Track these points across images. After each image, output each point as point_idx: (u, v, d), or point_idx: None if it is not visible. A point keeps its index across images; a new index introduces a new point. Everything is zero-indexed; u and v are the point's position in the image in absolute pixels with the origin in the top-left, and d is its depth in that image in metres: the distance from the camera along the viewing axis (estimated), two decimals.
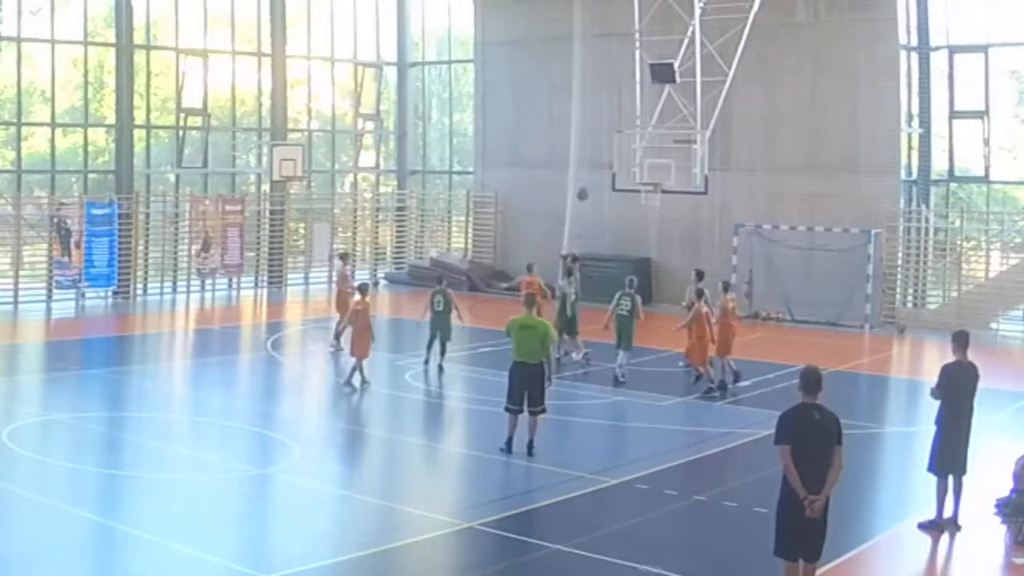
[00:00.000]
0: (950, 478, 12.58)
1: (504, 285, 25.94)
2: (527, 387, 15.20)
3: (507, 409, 15.36)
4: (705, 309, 19.93)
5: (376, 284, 36.04)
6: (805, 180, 29.56)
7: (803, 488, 9.33)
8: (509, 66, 34.65)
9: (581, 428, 17.97)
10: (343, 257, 25.07)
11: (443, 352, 21.46)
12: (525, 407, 15.21)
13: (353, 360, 19.64)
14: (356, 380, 19.56)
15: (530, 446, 15.13)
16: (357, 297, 20.01)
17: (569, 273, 23.06)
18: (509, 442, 15.24)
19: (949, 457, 12.50)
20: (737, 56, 25.61)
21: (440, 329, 21.40)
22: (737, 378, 20.36)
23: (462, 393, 20.75)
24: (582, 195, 21.24)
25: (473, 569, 11.82)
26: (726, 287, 21.15)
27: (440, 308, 21.52)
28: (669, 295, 31.48)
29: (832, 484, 9.45)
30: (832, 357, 23.21)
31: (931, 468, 12.64)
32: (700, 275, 21.46)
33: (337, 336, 22.53)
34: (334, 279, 24.34)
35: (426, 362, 21.50)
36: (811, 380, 9.62)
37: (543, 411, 15.31)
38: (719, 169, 28.84)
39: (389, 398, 20.07)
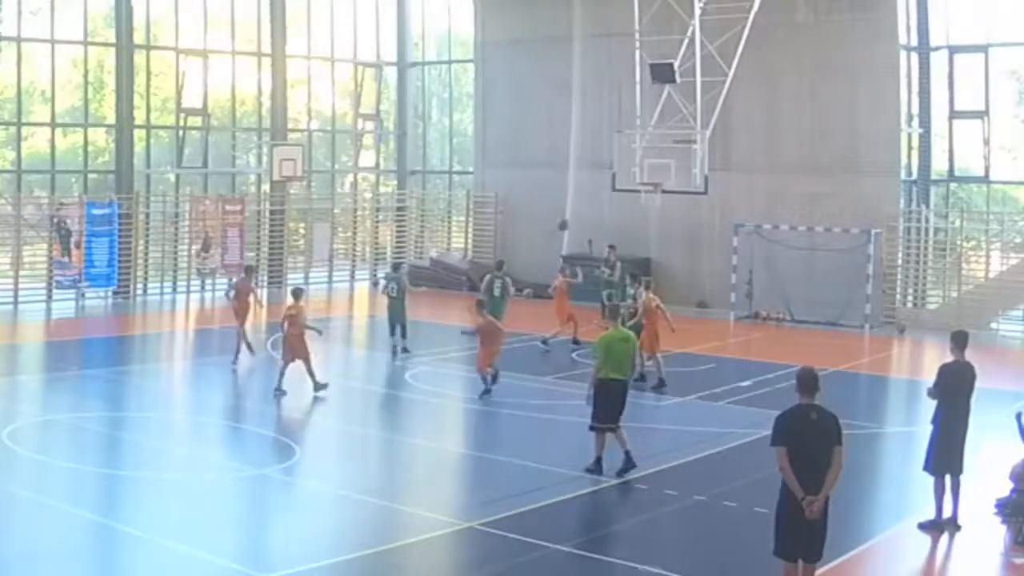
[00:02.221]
0: (947, 478, 12.60)
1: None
2: (621, 403, 14.53)
3: (596, 428, 14.46)
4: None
5: (376, 284, 36.03)
6: (805, 180, 29.54)
7: (800, 489, 9.34)
8: (509, 66, 34.64)
9: (581, 428, 17.96)
10: (248, 270, 23.69)
11: (404, 335, 22.54)
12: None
13: (282, 364, 19.11)
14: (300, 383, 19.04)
15: (630, 457, 14.41)
16: (291, 301, 19.65)
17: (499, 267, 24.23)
18: (599, 461, 14.43)
19: (946, 457, 12.51)
20: (737, 56, 25.60)
21: (395, 314, 22.62)
22: (643, 377, 20.24)
23: (462, 393, 20.73)
24: (563, 226, 21.66)
25: (473, 569, 11.83)
26: (647, 285, 21.49)
27: (394, 295, 22.72)
28: (669, 295, 31.36)
29: (831, 485, 9.43)
30: (832, 357, 23.22)
31: (927, 468, 12.66)
32: (647, 284, 21.78)
33: (249, 348, 21.65)
34: (231, 292, 22.55)
35: (394, 354, 22.38)
36: (807, 380, 9.60)
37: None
38: (719, 169, 28.81)
39: (389, 398, 20.08)
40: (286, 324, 19.22)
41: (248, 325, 21.86)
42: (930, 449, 12.62)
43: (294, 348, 19.07)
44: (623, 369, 14.57)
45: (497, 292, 22.79)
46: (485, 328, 19.23)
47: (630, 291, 22.43)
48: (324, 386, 18.94)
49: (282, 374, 18.99)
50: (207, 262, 32.28)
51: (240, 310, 21.61)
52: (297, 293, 20.12)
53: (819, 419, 9.50)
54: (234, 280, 22.93)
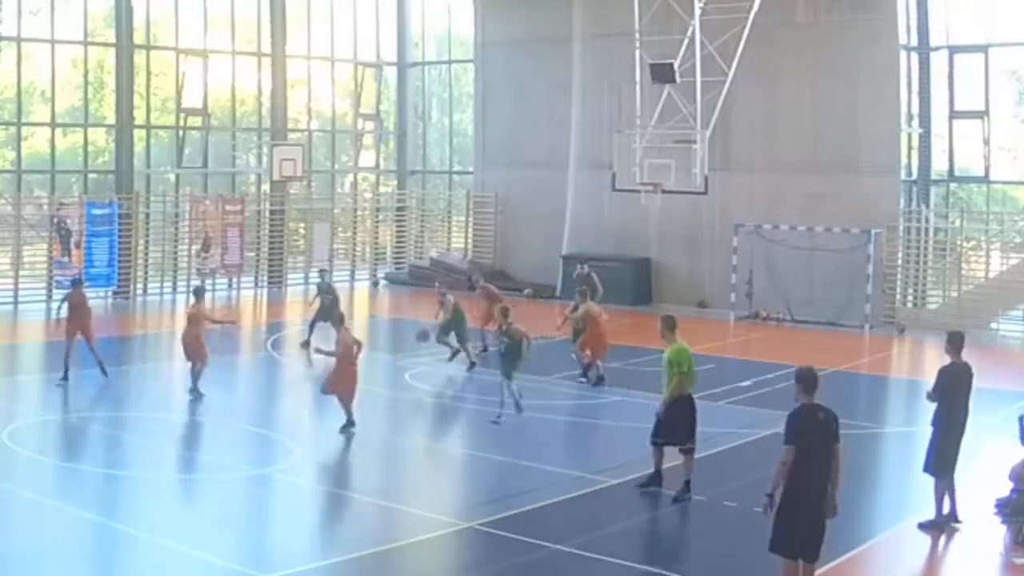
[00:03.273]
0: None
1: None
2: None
3: (694, 448, 13.75)
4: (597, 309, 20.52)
5: (376, 284, 36.10)
6: (805, 180, 29.54)
7: (779, 489, 9.44)
8: (509, 66, 34.64)
9: (581, 428, 17.98)
10: (77, 283, 21.41)
11: (311, 332, 23.15)
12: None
13: (191, 366, 18.59)
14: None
15: (661, 476, 13.83)
16: (192, 301, 19.10)
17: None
18: (688, 484, 13.64)
19: (947, 457, 12.53)
20: (737, 56, 25.60)
21: (324, 315, 22.92)
22: (589, 380, 20.40)
23: (462, 394, 20.73)
24: (421, 336, 21.45)
25: (473, 569, 11.83)
26: (584, 293, 21.41)
27: (327, 302, 23.30)
28: (669, 295, 31.55)
29: (838, 482, 9.61)
30: (832, 357, 23.22)
31: (927, 468, 12.67)
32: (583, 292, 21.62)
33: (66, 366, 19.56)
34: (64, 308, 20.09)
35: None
36: (811, 380, 9.69)
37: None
38: (719, 169, 28.82)
39: (389, 398, 20.07)
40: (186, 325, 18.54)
41: (76, 339, 19.85)
42: (930, 450, 12.63)
43: (192, 350, 18.45)
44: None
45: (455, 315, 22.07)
46: (341, 343, 16.73)
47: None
48: (200, 396, 18.39)
49: (195, 376, 18.41)
50: (207, 262, 32.29)
51: (73, 322, 19.86)
52: (198, 292, 19.71)
53: (825, 419, 9.63)
54: (66, 294, 20.90)
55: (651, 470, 13.85)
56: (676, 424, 13.59)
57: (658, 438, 13.73)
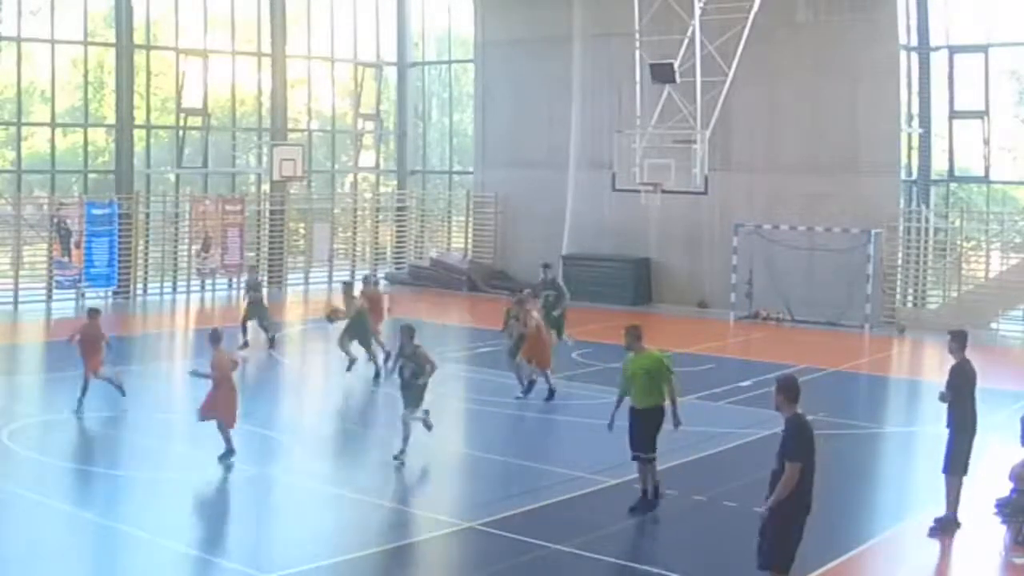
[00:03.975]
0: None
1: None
2: None
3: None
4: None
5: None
6: (805, 180, 29.54)
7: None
8: (509, 66, 34.64)
9: (581, 428, 17.96)
10: None
11: (267, 330, 23.54)
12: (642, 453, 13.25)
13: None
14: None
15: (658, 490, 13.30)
16: (88, 320, 18.34)
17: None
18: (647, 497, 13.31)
19: (962, 457, 12.51)
20: (737, 56, 25.59)
21: (253, 313, 23.50)
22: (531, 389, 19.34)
23: (462, 393, 20.73)
24: (332, 318, 21.24)
25: (473, 569, 11.83)
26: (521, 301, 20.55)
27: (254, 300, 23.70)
28: (669, 295, 31.56)
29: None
30: (832, 357, 23.23)
31: (946, 469, 12.59)
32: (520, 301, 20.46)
33: None
34: None
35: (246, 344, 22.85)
36: (795, 389, 9.59)
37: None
38: (719, 169, 28.81)
39: (389, 398, 20.05)
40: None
41: None
42: (949, 450, 12.54)
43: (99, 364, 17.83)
44: None
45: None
46: (216, 363, 15.07)
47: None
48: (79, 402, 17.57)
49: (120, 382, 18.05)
50: (207, 262, 32.29)
51: None
52: (95, 312, 18.71)
53: (810, 427, 9.61)
54: None
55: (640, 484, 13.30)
56: (643, 435, 13.05)
57: (636, 452, 13.18)
